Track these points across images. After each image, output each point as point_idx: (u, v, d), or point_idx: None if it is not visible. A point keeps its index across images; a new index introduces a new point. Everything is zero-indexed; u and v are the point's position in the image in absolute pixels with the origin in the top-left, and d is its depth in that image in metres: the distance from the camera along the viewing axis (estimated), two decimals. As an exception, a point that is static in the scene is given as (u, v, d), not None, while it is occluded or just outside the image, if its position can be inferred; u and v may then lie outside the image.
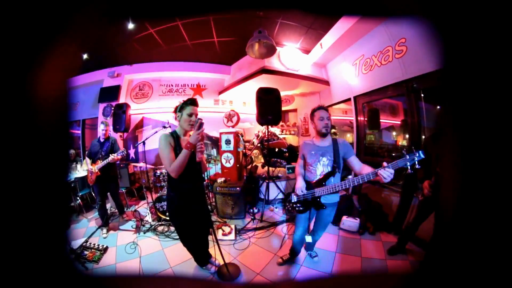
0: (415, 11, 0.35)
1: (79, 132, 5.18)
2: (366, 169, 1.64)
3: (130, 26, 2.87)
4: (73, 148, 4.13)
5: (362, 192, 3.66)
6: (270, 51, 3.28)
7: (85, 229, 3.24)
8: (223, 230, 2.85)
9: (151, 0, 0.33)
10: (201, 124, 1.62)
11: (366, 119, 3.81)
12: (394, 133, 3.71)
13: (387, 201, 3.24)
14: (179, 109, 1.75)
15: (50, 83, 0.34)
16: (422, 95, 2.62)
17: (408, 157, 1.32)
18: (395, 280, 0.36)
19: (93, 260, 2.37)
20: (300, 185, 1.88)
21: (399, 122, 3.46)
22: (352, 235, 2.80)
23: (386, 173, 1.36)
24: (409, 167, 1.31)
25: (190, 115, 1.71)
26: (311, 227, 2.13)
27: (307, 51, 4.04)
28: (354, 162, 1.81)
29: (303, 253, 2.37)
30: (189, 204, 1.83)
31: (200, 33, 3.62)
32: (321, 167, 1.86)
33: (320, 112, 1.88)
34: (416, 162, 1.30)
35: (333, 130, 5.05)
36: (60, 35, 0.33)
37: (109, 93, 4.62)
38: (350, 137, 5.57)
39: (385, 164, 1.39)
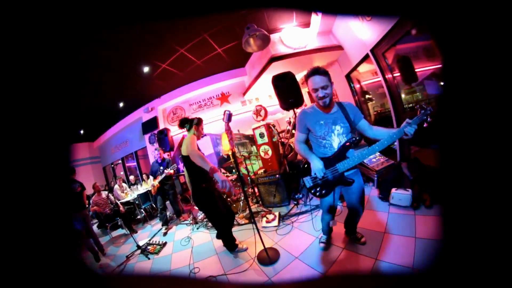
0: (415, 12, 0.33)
1: (135, 163, 6.61)
2: (381, 131, 1.51)
3: (146, 69, 3.46)
4: (133, 175, 5.32)
5: (412, 157, 3.10)
6: (266, 39, 3.25)
7: (149, 232, 4.12)
8: (267, 218, 2.96)
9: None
10: (229, 188, 1.80)
11: (396, 74, 3.20)
12: (441, 82, 2.95)
13: (444, 163, 2.62)
14: (197, 122, 2.31)
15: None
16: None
17: (423, 111, 1.35)
18: (396, 281, 0.35)
19: (154, 253, 3.05)
20: (318, 165, 1.57)
21: (440, 65, 2.72)
22: (404, 211, 2.34)
23: (412, 130, 1.35)
24: (428, 119, 1.33)
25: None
26: (338, 208, 1.95)
27: (306, 25, 3.76)
28: (365, 125, 1.59)
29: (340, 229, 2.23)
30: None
31: (203, 51, 3.96)
32: (337, 138, 1.57)
33: (311, 82, 1.48)
34: (428, 116, 1.33)
35: (367, 96, 4.43)
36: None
37: (150, 125, 5.57)
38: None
39: (408, 120, 1.39)
